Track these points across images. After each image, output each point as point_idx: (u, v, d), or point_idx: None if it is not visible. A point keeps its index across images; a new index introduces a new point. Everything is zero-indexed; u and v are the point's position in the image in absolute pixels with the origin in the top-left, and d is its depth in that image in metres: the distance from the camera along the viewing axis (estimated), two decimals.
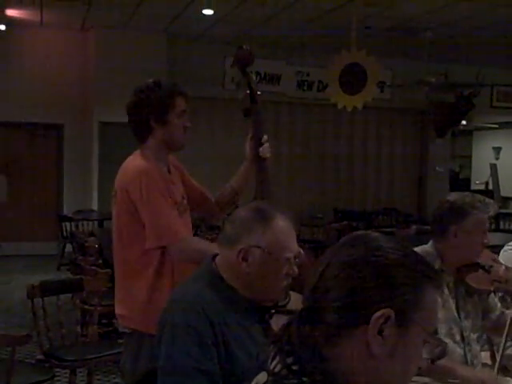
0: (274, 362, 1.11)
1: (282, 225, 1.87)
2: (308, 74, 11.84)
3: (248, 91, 2.85)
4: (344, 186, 12.60)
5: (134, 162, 2.64)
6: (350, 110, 8.36)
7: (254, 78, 2.96)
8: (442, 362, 2.35)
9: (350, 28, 8.07)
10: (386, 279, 1.10)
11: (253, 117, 2.87)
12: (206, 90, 10.78)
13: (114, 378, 4.78)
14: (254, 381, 1.15)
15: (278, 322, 1.95)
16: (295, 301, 2.11)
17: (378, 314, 1.07)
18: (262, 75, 11.45)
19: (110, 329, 5.21)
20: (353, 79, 8.07)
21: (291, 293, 2.13)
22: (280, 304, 2.02)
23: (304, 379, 1.06)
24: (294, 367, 1.08)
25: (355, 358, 1.08)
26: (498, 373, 2.39)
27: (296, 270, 1.91)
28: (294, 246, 1.90)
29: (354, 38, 8.02)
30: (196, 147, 10.76)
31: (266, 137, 2.88)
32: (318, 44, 10.81)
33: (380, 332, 1.07)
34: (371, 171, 12.89)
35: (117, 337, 4.52)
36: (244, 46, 2.89)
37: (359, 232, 1.22)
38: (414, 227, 7.79)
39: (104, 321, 5.18)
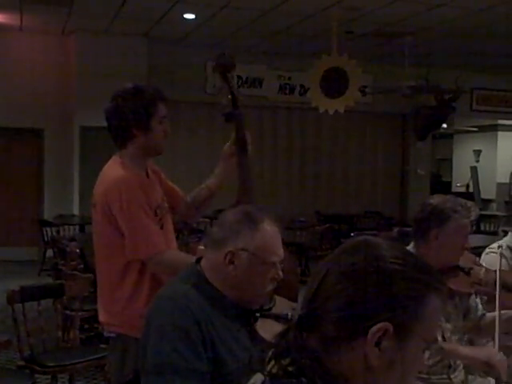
0: (271, 364, 1.09)
1: (270, 229, 1.88)
2: (290, 78, 11.89)
3: (230, 96, 2.85)
4: (326, 189, 12.65)
5: (114, 171, 2.62)
6: (331, 113, 8.40)
7: (236, 82, 2.95)
8: (443, 344, 2.40)
9: (331, 33, 8.11)
10: (385, 292, 1.07)
11: (235, 122, 2.87)
12: (188, 94, 10.78)
13: (96, 383, 4.74)
14: (251, 381, 1.13)
15: (263, 326, 1.96)
16: (280, 305, 2.12)
17: (375, 328, 1.04)
18: (244, 79, 11.47)
19: (92, 334, 5.18)
20: (334, 83, 8.11)
21: (276, 297, 2.14)
22: (265, 308, 2.03)
23: (303, 380, 1.05)
24: (291, 368, 1.07)
25: (353, 367, 1.07)
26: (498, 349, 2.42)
27: (281, 274, 1.91)
28: (280, 251, 1.91)
29: (335, 43, 8.07)
30: (177, 151, 10.75)
31: (248, 135, 2.86)
32: (300, 48, 10.85)
33: (378, 344, 1.05)
34: (353, 174, 12.95)
35: (98, 342, 4.49)
36: (225, 52, 2.89)
37: (360, 238, 1.18)
38: (395, 230, 7.83)
39: (86, 326, 5.15)
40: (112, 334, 2.64)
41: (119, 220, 2.53)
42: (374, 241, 1.14)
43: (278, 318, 2.04)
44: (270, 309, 2.07)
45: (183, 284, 1.88)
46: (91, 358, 3.87)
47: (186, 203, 2.94)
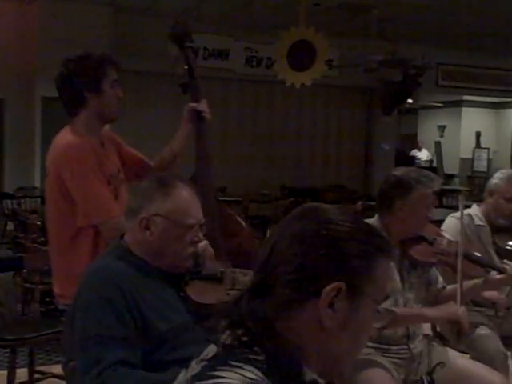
0: (225, 335, 1.09)
1: (183, 193, 1.93)
2: (257, 51, 11.78)
3: (186, 67, 2.80)
4: (291, 162, 12.65)
5: (65, 137, 2.57)
6: (298, 86, 8.35)
7: (193, 53, 2.90)
8: (410, 310, 2.56)
9: (298, 5, 8.03)
10: (336, 252, 1.08)
11: (191, 92, 2.82)
12: (153, 64, 10.59)
13: (57, 356, 4.69)
14: (204, 353, 1.12)
15: (195, 288, 1.99)
16: (213, 266, 2.14)
17: (328, 287, 1.06)
18: (210, 51, 11.32)
19: (53, 307, 5.11)
20: (301, 56, 8.06)
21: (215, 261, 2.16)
22: (193, 271, 2.05)
23: (255, 349, 1.05)
24: (245, 338, 1.07)
25: (306, 330, 1.08)
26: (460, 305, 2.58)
27: (201, 236, 1.97)
28: (197, 214, 1.95)
29: (302, 15, 7.99)
30: (143, 121, 10.60)
31: (204, 101, 2.83)
32: (267, 20, 10.74)
33: (331, 305, 1.06)
34: (319, 148, 12.98)
35: (59, 315, 4.44)
36: (179, 20, 2.84)
37: (309, 204, 1.20)
38: (359, 203, 7.89)
39: (47, 299, 5.08)
40: (66, 307, 2.60)
41: (70, 186, 2.48)
42: (322, 206, 1.17)
43: (208, 278, 2.08)
44: (199, 272, 2.09)
45: (106, 258, 1.94)
46: (51, 331, 3.81)
47: (151, 168, 2.89)
